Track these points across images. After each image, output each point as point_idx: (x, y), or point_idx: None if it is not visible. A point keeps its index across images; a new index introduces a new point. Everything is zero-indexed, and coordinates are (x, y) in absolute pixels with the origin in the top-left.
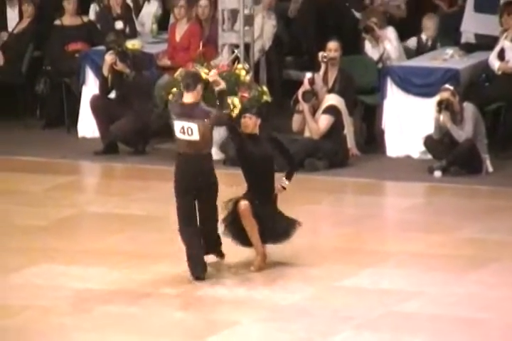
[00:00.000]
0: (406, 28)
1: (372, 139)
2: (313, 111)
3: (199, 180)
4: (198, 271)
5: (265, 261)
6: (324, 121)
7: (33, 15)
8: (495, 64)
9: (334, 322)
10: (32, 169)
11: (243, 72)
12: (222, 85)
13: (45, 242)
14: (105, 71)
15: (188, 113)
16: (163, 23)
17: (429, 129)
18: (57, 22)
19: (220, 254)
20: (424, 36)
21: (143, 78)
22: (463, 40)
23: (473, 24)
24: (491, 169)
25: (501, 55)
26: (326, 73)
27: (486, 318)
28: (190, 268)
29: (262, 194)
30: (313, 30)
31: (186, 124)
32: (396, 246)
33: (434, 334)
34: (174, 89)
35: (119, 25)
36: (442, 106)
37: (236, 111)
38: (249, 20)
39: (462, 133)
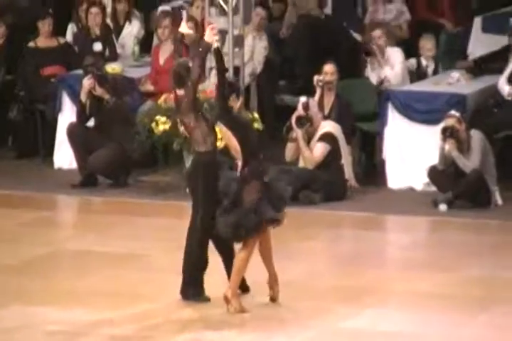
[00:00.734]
0: (408, 49)
1: (371, 170)
2: (308, 139)
3: None
4: None
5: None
6: (319, 150)
7: (5, 36)
8: (505, 88)
9: None
10: (4, 203)
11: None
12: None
13: (18, 282)
14: (83, 97)
15: None
16: (145, 44)
17: (434, 159)
18: (31, 44)
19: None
20: (423, 58)
21: (124, 104)
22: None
23: (481, 46)
24: (500, 202)
25: (511, 79)
26: (321, 98)
27: None
28: None
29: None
30: (306, 52)
31: None
32: (398, 286)
33: None
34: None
35: (97, 47)
36: (447, 134)
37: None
38: (239, 42)
39: (469, 164)
